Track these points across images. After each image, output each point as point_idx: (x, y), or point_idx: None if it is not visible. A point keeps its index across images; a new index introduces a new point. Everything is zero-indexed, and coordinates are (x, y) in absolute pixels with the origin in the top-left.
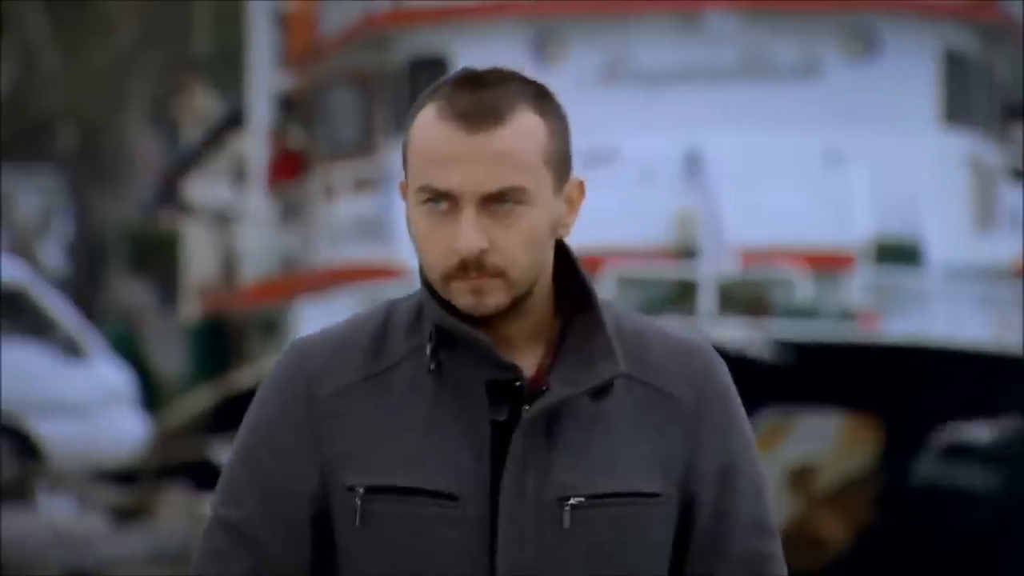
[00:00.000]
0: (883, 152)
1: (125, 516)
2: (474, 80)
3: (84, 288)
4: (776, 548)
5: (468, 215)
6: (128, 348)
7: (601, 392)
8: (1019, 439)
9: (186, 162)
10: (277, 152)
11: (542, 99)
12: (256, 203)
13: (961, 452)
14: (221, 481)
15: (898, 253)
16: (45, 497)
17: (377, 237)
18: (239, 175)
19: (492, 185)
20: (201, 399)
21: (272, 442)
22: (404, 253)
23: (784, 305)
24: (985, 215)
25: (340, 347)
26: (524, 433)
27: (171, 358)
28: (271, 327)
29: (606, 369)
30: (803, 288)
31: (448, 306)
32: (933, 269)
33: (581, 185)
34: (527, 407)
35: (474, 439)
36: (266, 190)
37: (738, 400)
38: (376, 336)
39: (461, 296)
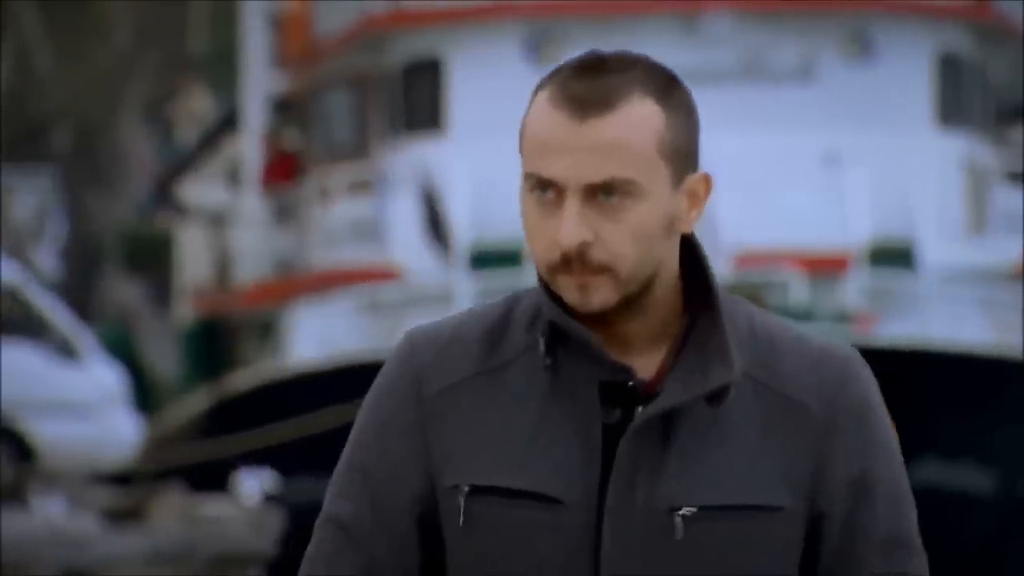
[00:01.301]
0: (879, 154)
1: (120, 517)
2: (593, 64)
3: (78, 289)
4: (918, 567)
5: (571, 206)
6: (122, 349)
7: (718, 397)
8: (1017, 442)
9: (181, 163)
10: (272, 154)
11: (666, 88)
12: (251, 205)
13: (958, 456)
14: (334, 477)
15: (893, 255)
16: (40, 498)
17: (372, 239)
18: (234, 177)
19: (598, 176)
20: (196, 401)
21: (379, 444)
22: (399, 255)
23: (780, 307)
24: (980, 217)
25: (455, 340)
26: (633, 437)
27: (165, 360)
28: (266, 329)
29: (720, 373)
30: (799, 290)
31: (562, 301)
32: (929, 271)
33: (707, 180)
34: (640, 409)
35: (584, 442)
36: (261, 192)
37: (881, 411)
38: (494, 329)
39: (567, 291)
